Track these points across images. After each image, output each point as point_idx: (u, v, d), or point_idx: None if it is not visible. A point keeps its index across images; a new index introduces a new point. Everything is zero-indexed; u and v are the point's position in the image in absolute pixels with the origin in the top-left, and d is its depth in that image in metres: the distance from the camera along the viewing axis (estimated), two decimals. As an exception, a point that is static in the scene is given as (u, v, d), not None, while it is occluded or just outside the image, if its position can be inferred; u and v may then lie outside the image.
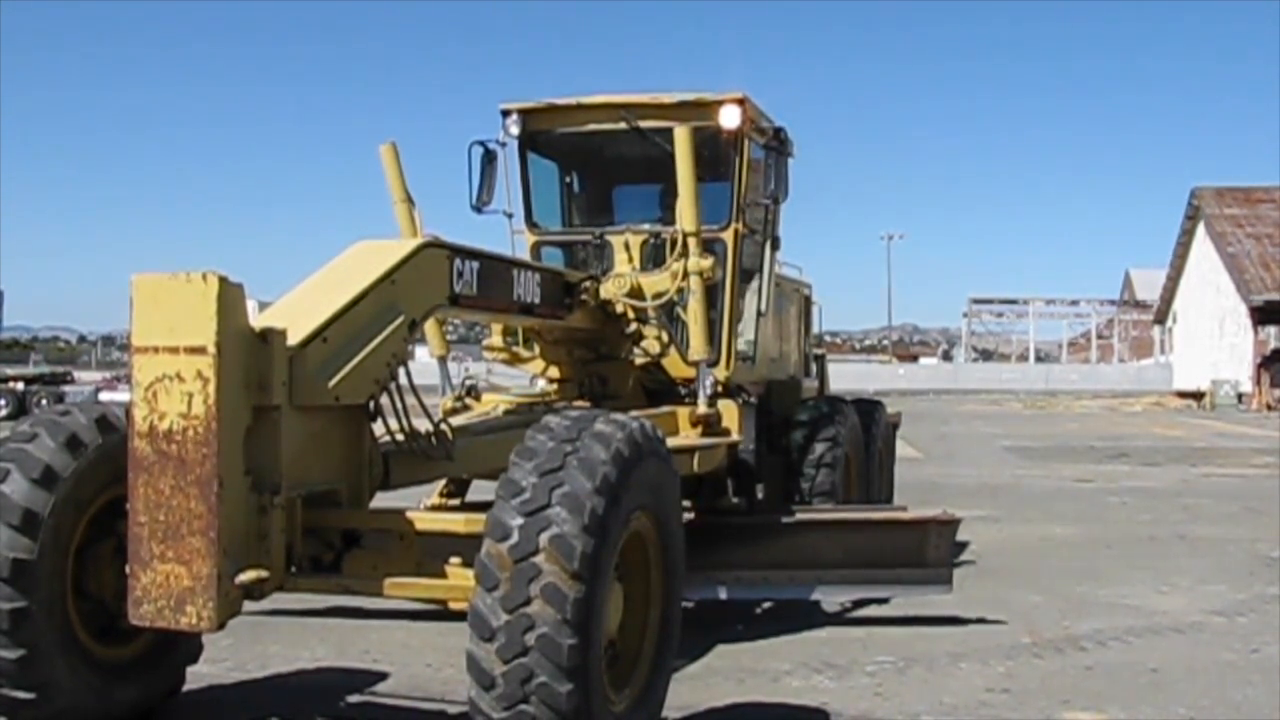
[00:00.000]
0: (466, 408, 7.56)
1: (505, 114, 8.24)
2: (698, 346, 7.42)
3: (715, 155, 7.97)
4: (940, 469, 19.00)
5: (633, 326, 7.76)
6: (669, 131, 7.35)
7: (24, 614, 4.69)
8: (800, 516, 7.88)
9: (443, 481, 7.24)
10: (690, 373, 7.68)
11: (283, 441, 4.64)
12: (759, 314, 8.50)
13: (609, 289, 7.53)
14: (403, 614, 7.51)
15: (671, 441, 5.70)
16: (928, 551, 7.47)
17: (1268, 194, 51.48)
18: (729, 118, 7.78)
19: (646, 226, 8.17)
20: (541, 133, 8.39)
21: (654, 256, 7.97)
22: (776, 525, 7.67)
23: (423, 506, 7.06)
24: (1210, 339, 53.43)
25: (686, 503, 7.36)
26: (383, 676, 6.37)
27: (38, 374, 40.07)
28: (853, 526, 7.74)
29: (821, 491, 8.46)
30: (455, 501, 7.40)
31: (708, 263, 7.46)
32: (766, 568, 7.48)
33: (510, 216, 8.37)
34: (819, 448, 8.56)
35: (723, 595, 7.51)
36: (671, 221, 7.73)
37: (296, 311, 4.97)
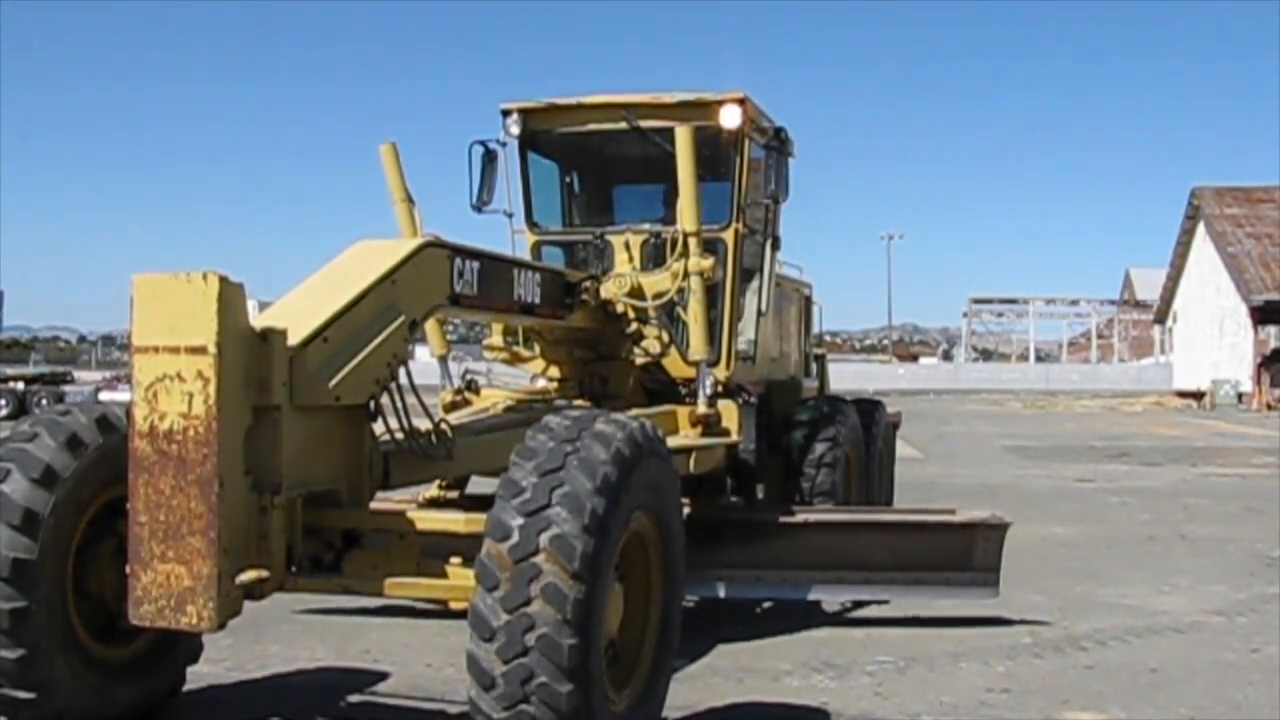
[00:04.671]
0: (466, 402, 7.57)
1: (505, 114, 8.24)
2: (698, 346, 7.41)
3: (715, 155, 7.96)
4: (940, 469, 19.00)
5: (633, 326, 7.75)
6: (669, 131, 7.35)
7: (24, 614, 4.69)
8: (847, 517, 7.86)
9: None
10: (690, 372, 7.68)
11: (283, 441, 4.63)
12: (759, 314, 8.49)
13: (609, 289, 7.53)
14: (403, 613, 7.51)
15: (671, 441, 5.70)
16: (975, 555, 7.43)
17: (1268, 194, 51.50)
18: (729, 118, 7.78)
19: (647, 226, 8.18)
20: (542, 132, 8.39)
21: (654, 256, 7.97)
22: (823, 525, 7.63)
23: (421, 499, 7.08)
24: (1210, 339, 53.44)
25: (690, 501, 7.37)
26: (383, 676, 6.37)
27: (38, 374, 40.04)
28: (901, 529, 7.69)
29: (822, 491, 8.46)
30: (454, 494, 7.41)
31: (708, 263, 7.46)
32: (812, 568, 7.45)
33: (510, 216, 8.37)
34: (819, 448, 8.56)
35: (762, 594, 7.58)
36: (672, 221, 7.73)
37: (297, 311, 4.97)
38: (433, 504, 7.09)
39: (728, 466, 7.97)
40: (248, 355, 4.53)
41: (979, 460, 21.37)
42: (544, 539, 4.20)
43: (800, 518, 7.69)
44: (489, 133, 8.26)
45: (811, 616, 7.69)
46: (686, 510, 7.22)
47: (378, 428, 5.24)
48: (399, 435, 5.38)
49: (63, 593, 4.89)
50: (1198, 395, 48.51)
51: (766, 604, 7.97)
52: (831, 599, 7.76)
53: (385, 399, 5.19)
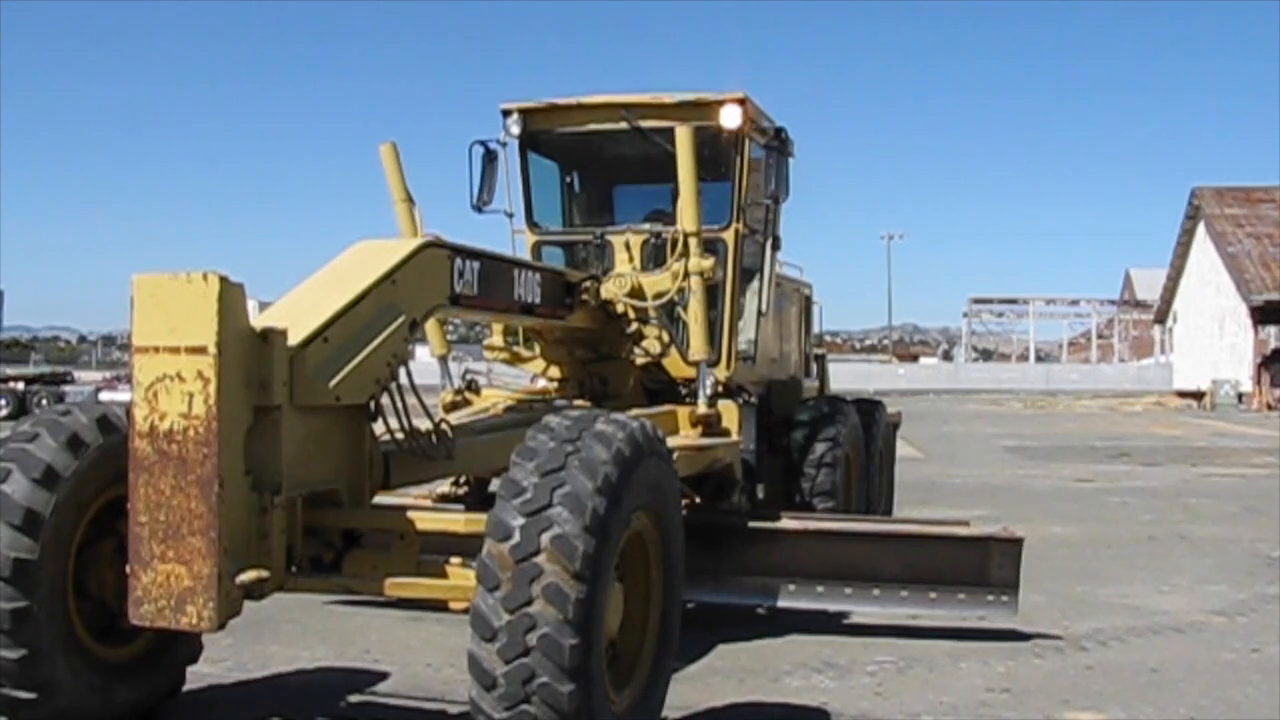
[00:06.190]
0: (466, 402, 7.57)
1: (506, 114, 8.25)
2: (698, 346, 7.41)
3: (716, 155, 7.97)
4: (940, 469, 19.01)
5: (633, 326, 7.76)
6: (670, 131, 7.35)
7: (25, 614, 4.69)
8: (856, 527, 7.72)
9: None
10: (691, 372, 7.68)
11: (283, 441, 4.63)
12: (759, 314, 8.50)
13: (610, 289, 7.53)
14: (403, 613, 7.51)
15: (671, 441, 5.70)
16: (991, 571, 7.15)
17: (1268, 194, 51.49)
18: (730, 118, 7.78)
19: (647, 226, 8.17)
20: (542, 132, 8.39)
21: (654, 256, 7.97)
22: (832, 534, 7.47)
23: (434, 495, 7.12)
24: (1210, 339, 53.44)
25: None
26: (383, 676, 6.37)
27: (38, 374, 40.08)
28: (911, 540, 7.46)
29: (822, 491, 8.46)
30: (463, 490, 7.43)
31: (708, 263, 7.46)
32: (818, 578, 7.28)
33: (511, 216, 8.37)
34: (819, 448, 8.56)
35: (777, 604, 7.37)
36: (672, 221, 7.72)
37: (297, 311, 4.97)
38: (444, 500, 7.13)
39: (725, 468, 7.94)
40: (248, 355, 4.53)
41: (979, 460, 21.36)
42: (545, 539, 4.20)
43: (809, 525, 7.55)
44: (489, 133, 8.28)
45: (811, 617, 7.66)
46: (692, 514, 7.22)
47: (378, 428, 5.24)
48: (399, 435, 5.38)
49: (63, 593, 4.89)
50: (1198, 395, 48.49)
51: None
52: (838, 608, 7.65)
53: (385, 399, 5.19)
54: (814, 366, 11.29)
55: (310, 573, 4.95)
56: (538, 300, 6.66)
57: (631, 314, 7.69)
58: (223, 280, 4.41)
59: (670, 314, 7.72)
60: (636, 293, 7.62)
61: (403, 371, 5.28)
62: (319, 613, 7.63)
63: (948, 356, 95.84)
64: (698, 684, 6.20)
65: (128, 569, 4.49)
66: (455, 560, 5.00)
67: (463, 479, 7.39)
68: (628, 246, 8.03)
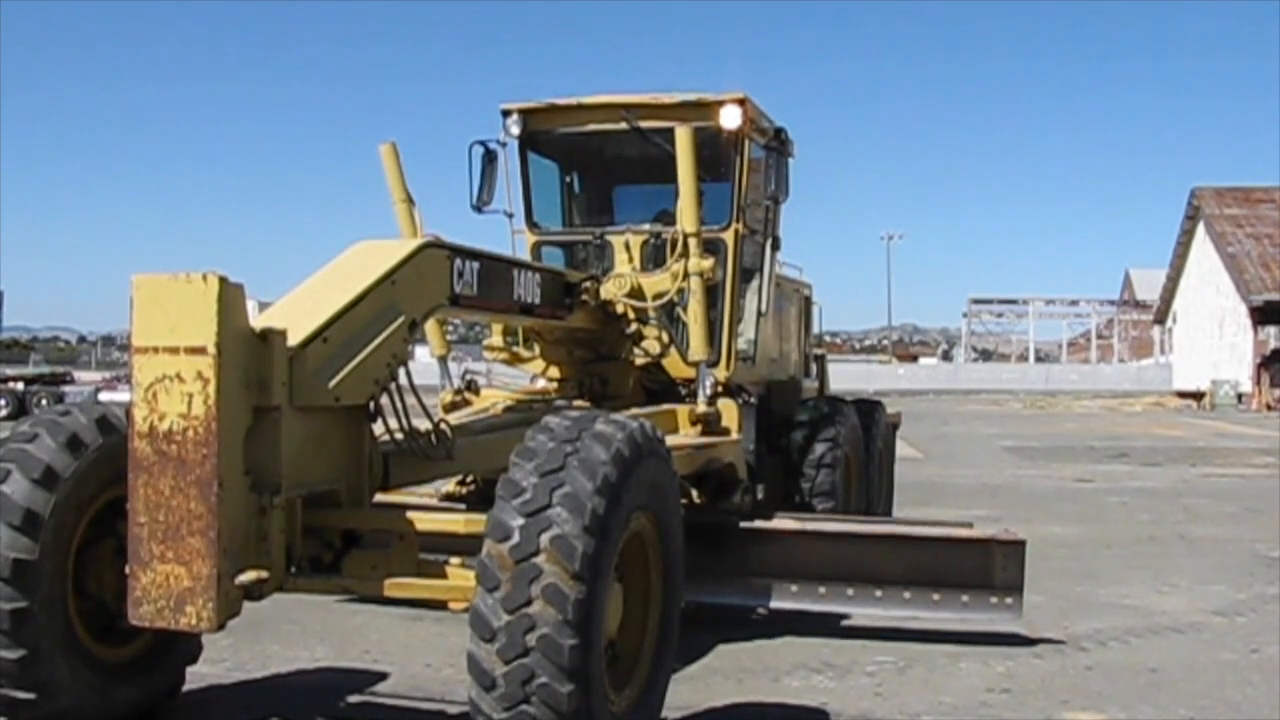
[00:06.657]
0: (466, 402, 7.57)
1: (506, 114, 8.25)
2: (698, 347, 7.41)
3: (716, 155, 7.96)
4: (940, 469, 19.01)
5: (633, 327, 7.76)
6: (669, 132, 7.35)
7: (25, 614, 4.69)
8: (858, 528, 7.64)
9: None
10: (690, 373, 7.68)
11: (283, 442, 4.63)
12: (759, 314, 8.49)
13: (609, 289, 7.53)
14: (403, 613, 7.50)
15: (670, 441, 5.70)
16: (995, 573, 7.04)
17: (1268, 194, 51.53)
18: (729, 118, 7.78)
19: (647, 226, 8.17)
20: (542, 133, 8.39)
21: (654, 257, 7.97)
22: (832, 536, 7.41)
23: (439, 494, 7.16)
24: (1210, 339, 53.45)
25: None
26: (383, 676, 6.37)
27: (38, 374, 40.07)
28: (914, 542, 7.36)
29: (821, 492, 8.45)
30: (469, 488, 7.44)
31: (708, 263, 7.46)
32: (820, 579, 7.20)
33: (510, 216, 8.38)
34: (819, 448, 8.55)
35: (779, 606, 7.30)
36: (672, 221, 7.72)
37: (296, 312, 4.97)
38: (449, 499, 7.13)
39: (726, 467, 7.94)
40: (247, 355, 4.53)
41: (979, 460, 21.37)
42: (544, 539, 4.20)
43: (810, 526, 7.50)
44: (489, 133, 8.28)
45: (811, 617, 7.66)
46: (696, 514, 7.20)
47: (378, 428, 5.24)
48: (399, 435, 5.38)
49: (63, 593, 4.88)
50: (1197, 395, 48.53)
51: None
52: (840, 610, 7.57)
53: (385, 399, 5.19)
54: (814, 367, 11.28)
55: (310, 573, 4.95)
56: (537, 300, 6.66)
57: (631, 314, 7.69)
58: (222, 280, 4.40)
59: (670, 314, 7.72)
60: (636, 293, 7.62)
61: (402, 371, 5.29)
62: (319, 613, 7.63)
63: (947, 357, 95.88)
64: (698, 684, 6.20)
65: (127, 569, 4.49)
66: (455, 560, 5.00)
67: (468, 478, 7.39)
68: (627, 247, 8.03)
